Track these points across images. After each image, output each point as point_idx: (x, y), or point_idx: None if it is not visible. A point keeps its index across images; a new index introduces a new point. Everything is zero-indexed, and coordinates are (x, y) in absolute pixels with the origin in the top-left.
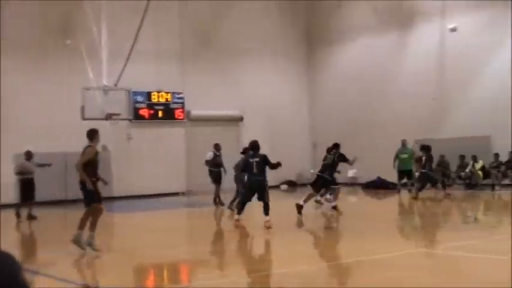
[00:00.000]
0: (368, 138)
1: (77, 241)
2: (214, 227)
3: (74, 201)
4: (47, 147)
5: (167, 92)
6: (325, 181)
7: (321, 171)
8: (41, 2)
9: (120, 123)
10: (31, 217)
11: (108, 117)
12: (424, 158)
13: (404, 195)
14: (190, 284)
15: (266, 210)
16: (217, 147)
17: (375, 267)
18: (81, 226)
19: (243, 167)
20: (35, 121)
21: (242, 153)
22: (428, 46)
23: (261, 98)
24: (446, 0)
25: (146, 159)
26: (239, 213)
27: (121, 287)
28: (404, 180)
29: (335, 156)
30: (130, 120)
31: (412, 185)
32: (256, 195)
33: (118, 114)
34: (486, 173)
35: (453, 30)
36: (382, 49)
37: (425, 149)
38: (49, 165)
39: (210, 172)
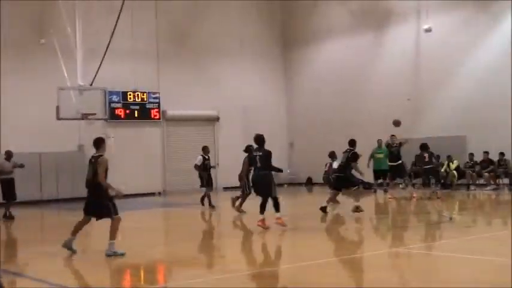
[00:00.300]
0: (344, 137)
1: (67, 245)
2: (195, 226)
3: (49, 202)
4: (22, 147)
5: (143, 92)
6: (341, 180)
7: (338, 171)
8: (15, 2)
9: (96, 123)
10: (7, 217)
11: (84, 117)
12: (426, 156)
13: (380, 195)
14: (169, 284)
15: (276, 207)
16: (205, 150)
17: (351, 266)
18: (74, 232)
19: (249, 164)
20: (9, 120)
21: (245, 151)
22: (403, 46)
23: (238, 97)
24: (421, 1)
25: (122, 159)
26: (262, 212)
27: (98, 287)
28: (380, 180)
29: (349, 154)
30: (106, 120)
31: (388, 184)
32: (261, 191)
33: (93, 114)
34: (461, 173)
35: (428, 30)
36: (358, 49)
37: (425, 147)
38: (22, 166)
39: (200, 176)
